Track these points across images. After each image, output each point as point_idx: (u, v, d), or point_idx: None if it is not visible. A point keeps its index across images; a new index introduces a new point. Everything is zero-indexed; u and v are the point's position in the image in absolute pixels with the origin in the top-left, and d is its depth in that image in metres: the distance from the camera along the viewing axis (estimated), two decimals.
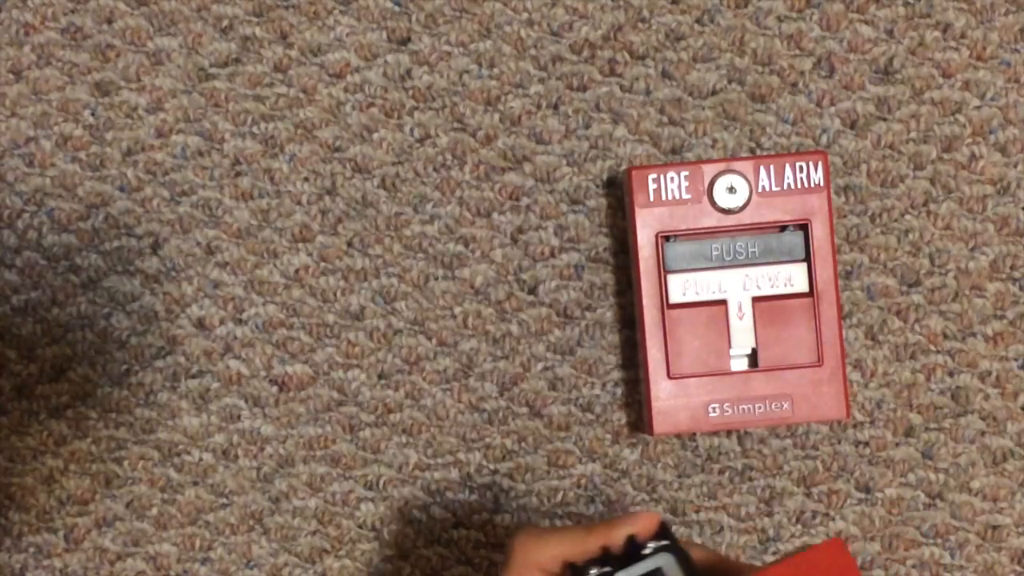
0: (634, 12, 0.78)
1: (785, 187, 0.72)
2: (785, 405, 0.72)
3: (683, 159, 0.78)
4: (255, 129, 0.78)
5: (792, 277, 0.73)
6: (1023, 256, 0.78)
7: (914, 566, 0.77)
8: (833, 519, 0.78)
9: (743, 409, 0.72)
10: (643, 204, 0.72)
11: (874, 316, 0.78)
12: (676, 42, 0.78)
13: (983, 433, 0.77)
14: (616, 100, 0.78)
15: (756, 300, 0.72)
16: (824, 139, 0.78)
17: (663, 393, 0.72)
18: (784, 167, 0.72)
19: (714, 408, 0.72)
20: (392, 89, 0.78)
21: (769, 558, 0.78)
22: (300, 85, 0.78)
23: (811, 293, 0.72)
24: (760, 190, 0.72)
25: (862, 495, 0.77)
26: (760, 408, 0.72)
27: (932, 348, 0.78)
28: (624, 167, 0.78)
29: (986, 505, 0.77)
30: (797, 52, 0.78)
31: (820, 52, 0.78)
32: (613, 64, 0.78)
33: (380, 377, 0.78)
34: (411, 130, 0.78)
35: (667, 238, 0.72)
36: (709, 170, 0.72)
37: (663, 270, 0.72)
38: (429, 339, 0.77)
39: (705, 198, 0.72)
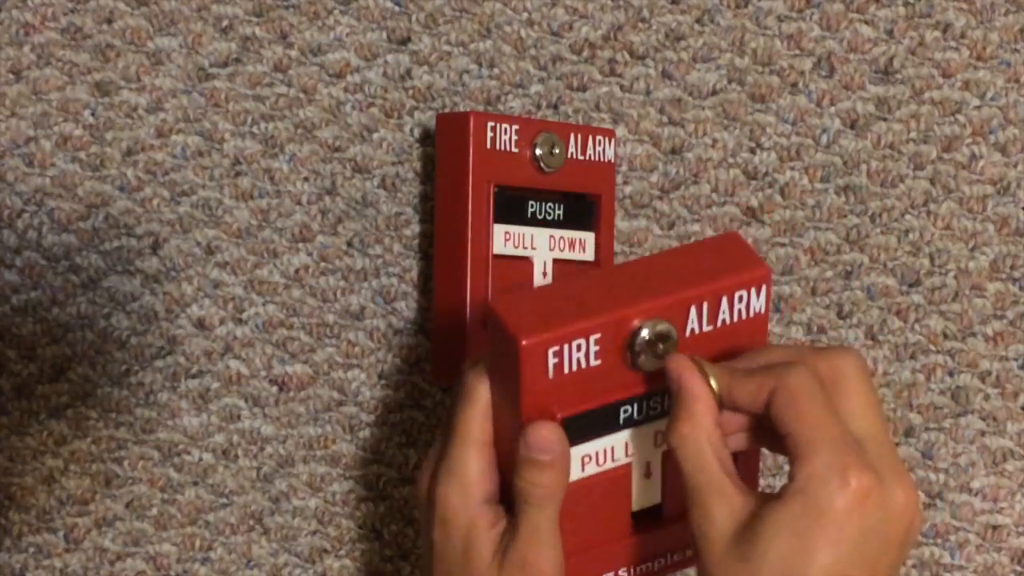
0: (634, 12, 0.78)
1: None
2: None
3: (683, 159, 0.78)
4: (255, 129, 0.78)
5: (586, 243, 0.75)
6: (1023, 256, 0.78)
7: (914, 566, 0.77)
8: None
9: None
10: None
11: (874, 316, 0.78)
12: (676, 42, 0.78)
13: (983, 433, 0.77)
14: (616, 100, 0.78)
15: None
16: (824, 139, 0.78)
17: None
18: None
19: None
20: (392, 89, 0.78)
21: None
22: (300, 85, 0.78)
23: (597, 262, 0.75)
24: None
25: None
26: None
27: (932, 348, 0.78)
28: (623, 167, 0.78)
29: (986, 505, 0.77)
30: (797, 52, 0.78)
31: (820, 52, 0.78)
32: (613, 64, 0.78)
33: (380, 377, 0.78)
34: (411, 130, 0.78)
35: None
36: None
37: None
38: (429, 339, 0.77)
39: None
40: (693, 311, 0.53)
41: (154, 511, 0.78)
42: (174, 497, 0.78)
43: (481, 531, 0.54)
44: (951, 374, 0.78)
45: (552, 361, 0.50)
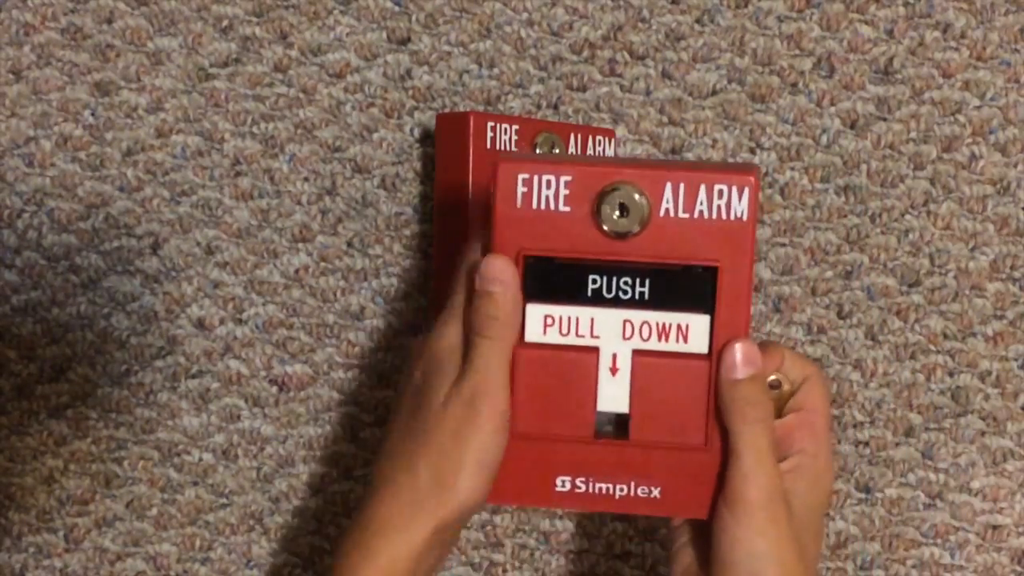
0: (634, 12, 0.78)
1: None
2: None
3: (683, 159, 0.78)
4: (255, 129, 0.78)
5: None
6: (1023, 256, 0.78)
7: (914, 566, 0.77)
8: (833, 519, 0.78)
9: None
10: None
11: (874, 316, 0.78)
12: (676, 42, 0.78)
13: (983, 433, 0.77)
14: (616, 100, 0.78)
15: None
16: (824, 139, 0.78)
17: None
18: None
19: None
20: (392, 89, 0.78)
21: None
22: (300, 85, 0.78)
23: None
24: None
25: (862, 495, 0.77)
26: None
27: (932, 348, 0.78)
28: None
29: (986, 505, 0.77)
30: (797, 52, 0.78)
31: (820, 52, 0.78)
32: (613, 64, 0.78)
33: (380, 377, 0.78)
34: (411, 130, 0.78)
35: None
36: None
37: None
38: None
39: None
40: (668, 188, 0.55)
41: (154, 511, 0.78)
42: (174, 497, 0.78)
43: (445, 373, 0.56)
44: (951, 374, 0.78)
45: (521, 189, 0.55)
